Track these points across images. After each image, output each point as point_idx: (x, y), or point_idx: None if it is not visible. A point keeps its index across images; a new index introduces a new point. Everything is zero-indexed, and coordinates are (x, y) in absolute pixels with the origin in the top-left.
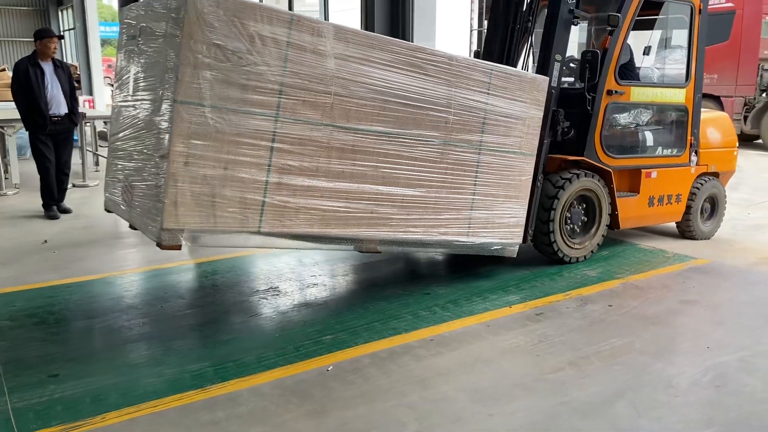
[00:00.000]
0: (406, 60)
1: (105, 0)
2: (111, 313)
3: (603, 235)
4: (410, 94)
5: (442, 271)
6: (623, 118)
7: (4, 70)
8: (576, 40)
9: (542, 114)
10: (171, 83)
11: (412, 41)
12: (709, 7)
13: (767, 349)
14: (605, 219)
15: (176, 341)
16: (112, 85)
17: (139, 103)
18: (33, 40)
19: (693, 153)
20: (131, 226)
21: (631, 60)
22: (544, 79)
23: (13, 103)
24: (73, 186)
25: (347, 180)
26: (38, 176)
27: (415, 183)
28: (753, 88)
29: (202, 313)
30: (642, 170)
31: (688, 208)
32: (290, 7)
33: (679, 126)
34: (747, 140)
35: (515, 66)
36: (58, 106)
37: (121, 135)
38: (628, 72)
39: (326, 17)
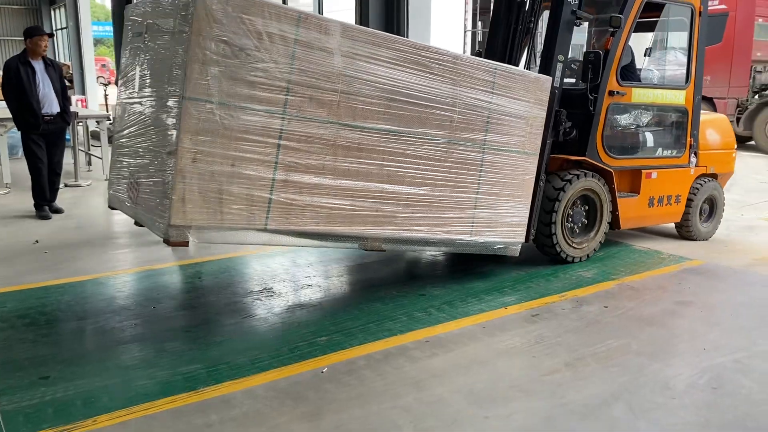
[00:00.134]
0: (411, 58)
1: None
2: (103, 314)
3: (604, 235)
4: (416, 92)
5: (437, 272)
6: (624, 119)
7: None
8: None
9: (545, 114)
10: (179, 80)
11: None
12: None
13: (763, 351)
14: (606, 219)
15: (169, 343)
16: (106, 85)
17: (145, 99)
18: (23, 38)
19: (692, 154)
20: (136, 223)
21: (632, 62)
22: (547, 79)
23: (4, 102)
24: (65, 186)
25: (353, 178)
26: (30, 176)
27: (420, 181)
28: (746, 89)
29: (195, 314)
30: (642, 171)
31: (688, 208)
32: None
33: (679, 127)
34: (740, 142)
35: (517, 66)
36: (50, 105)
37: (126, 132)
38: (630, 74)
39: None
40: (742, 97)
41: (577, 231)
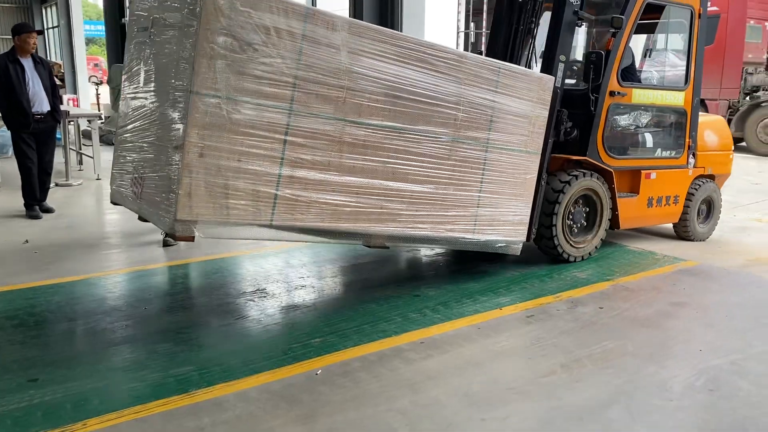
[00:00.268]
0: (417, 56)
1: None
2: (93, 315)
3: (604, 235)
4: (421, 90)
5: (432, 273)
6: (625, 120)
7: None
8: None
9: (548, 113)
10: (186, 74)
11: None
12: None
13: (759, 353)
14: (606, 219)
15: (160, 344)
16: (98, 84)
17: (150, 94)
18: (11, 36)
19: (691, 155)
20: (140, 218)
21: (633, 64)
22: (550, 79)
23: None
24: (56, 185)
25: (358, 175)
26: (19, 175)
27: (424, 179)
28: (737, 91)
29: (187, 316)
30: (642, 171)
31: (686, 209)
32: None
33: (677, 128)
34: None
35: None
36: (41, 103)
37: (130, 127)
38: (630, 75)
39: None
40: (733, 99)
41: (577, 230)
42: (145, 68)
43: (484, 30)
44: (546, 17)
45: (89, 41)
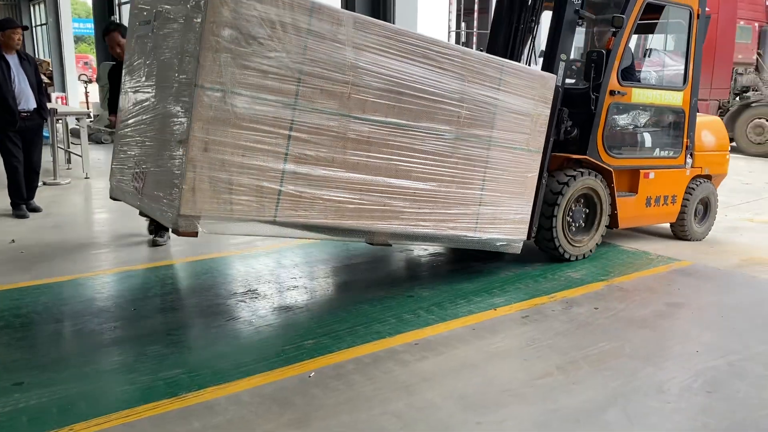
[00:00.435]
0: (421, 52)
1: None
2: (81, 317)
3: (603, 233)
4: (425, 86)
5: (425, 273)
6: (624, 119)
7: None
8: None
9: (549, 111)
10: (191, 68)
11: None
12: None
13: (756, 354)
14: (605, 218)
15: (149, 346)
16: (87, 83)
17: (153, 88)
18: None
19: (688, 155)
20: (141, 213)
21: (632, 64)
22: (552, 77)
23: None
24: (44, 184)
25: (362, 171)
26: (5, 174)
27: (427, 177)
28: (727, 91)
29: (177, 317)
30: (640, 171)
31: (683, 209)
32: None
33: (676, 128)
34: None
35: None
36: (27, 100)
37: (131, 121)
38: (630, 75)
39: None
40: (723, 99)
41: (576, 229)
42: (148, 62)
43: (475, 30)
44: (546, 16)
45: (78, 39)
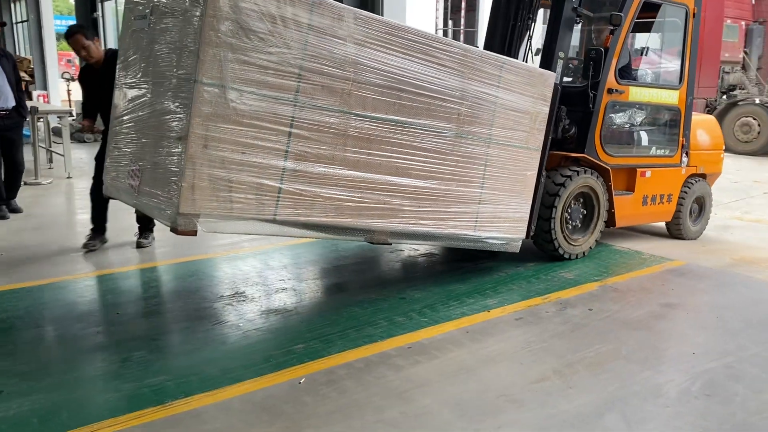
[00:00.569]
0: (422, 48)
1: None
2: (63, 321)
3: (600, 232)
4: (425, 83)
5: (417, 274)
6: (621, 117)
7: None
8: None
9: (548, 109)
10: (190, 63)
11: None
12: None
13: (751, 355)
14: (603, 216)
15: (134, 352)
16: (70, 80)
17: (149, 84)
18: None
19: (684, 154)
20: (137, 212)
21: (629, 63)
22: (551, 75)
23: None
24: (25, 184)
25: (362, 169)
26: None
27: (427, 175)
28: (714, 90)
29: (163, 321)
30: (637, 169)
31: (679, 207)
32: None
33: (672, 127)
34: None
35: None
36: (5, 99)
37: (126, 118)
38: (627, 74)
39: None
40: (710, 98)
41: (573, 228)
42: (144, 57)
43: (462, 28)
44: (542, 13)
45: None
